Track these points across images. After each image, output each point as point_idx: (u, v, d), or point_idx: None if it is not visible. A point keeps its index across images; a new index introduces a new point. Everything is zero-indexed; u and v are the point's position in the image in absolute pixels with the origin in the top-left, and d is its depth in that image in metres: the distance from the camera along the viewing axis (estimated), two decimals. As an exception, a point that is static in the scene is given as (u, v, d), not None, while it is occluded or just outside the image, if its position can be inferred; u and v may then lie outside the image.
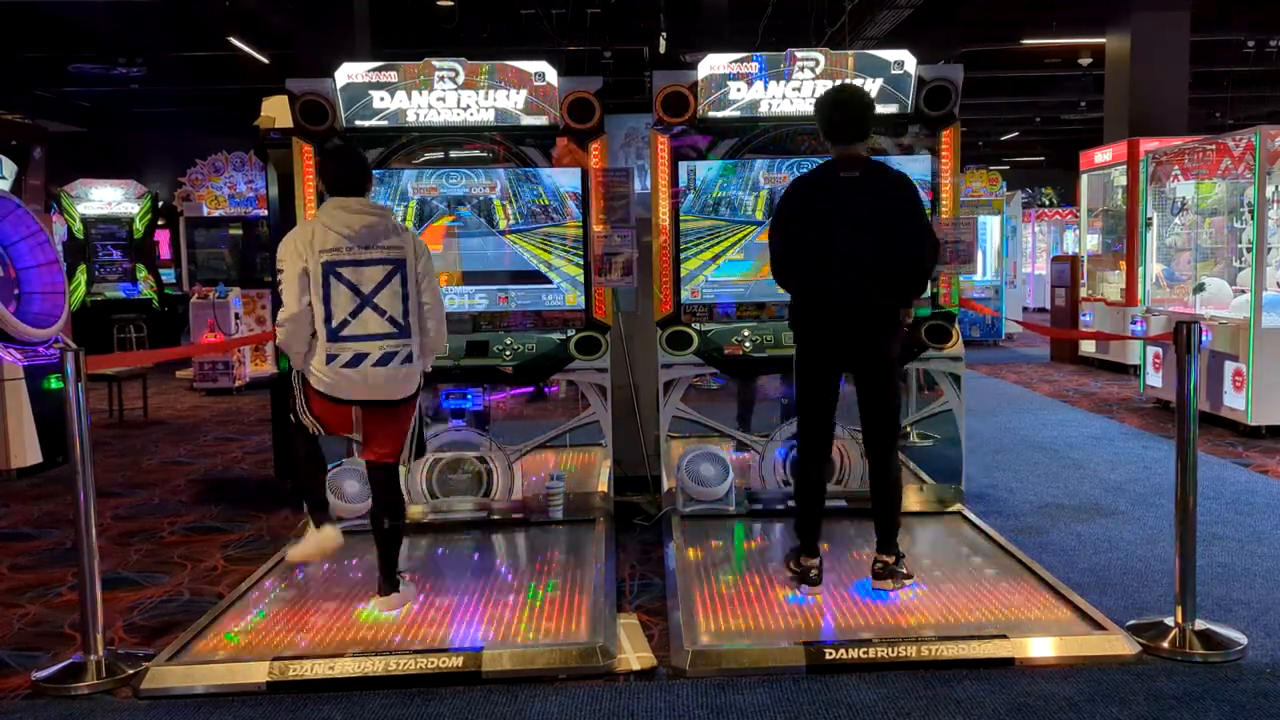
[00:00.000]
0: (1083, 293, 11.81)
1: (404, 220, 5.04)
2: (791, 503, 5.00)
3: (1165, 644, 3.48)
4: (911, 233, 3.89)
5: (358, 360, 3.73)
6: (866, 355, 3.98)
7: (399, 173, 5.11)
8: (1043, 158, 30.60)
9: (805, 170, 5.09)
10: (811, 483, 4.08)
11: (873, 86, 5.01)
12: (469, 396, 5.04)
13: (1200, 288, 7.88)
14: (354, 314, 3.74)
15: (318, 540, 3.98)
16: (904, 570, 4.00)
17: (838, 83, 4.93)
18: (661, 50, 15.11)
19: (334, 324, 3.74)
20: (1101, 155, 11.70)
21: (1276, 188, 7.18)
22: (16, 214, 6.36)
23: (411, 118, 5.07)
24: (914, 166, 5.07)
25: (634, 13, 14.69)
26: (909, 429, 5.16)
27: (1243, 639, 3.52)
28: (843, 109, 3.95)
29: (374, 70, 5.00)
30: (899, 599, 3.88)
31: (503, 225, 5.16)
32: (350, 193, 3.82)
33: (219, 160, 13.31)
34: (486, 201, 5.15)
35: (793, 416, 5.10)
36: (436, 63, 5.01)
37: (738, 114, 5.09)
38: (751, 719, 3.07)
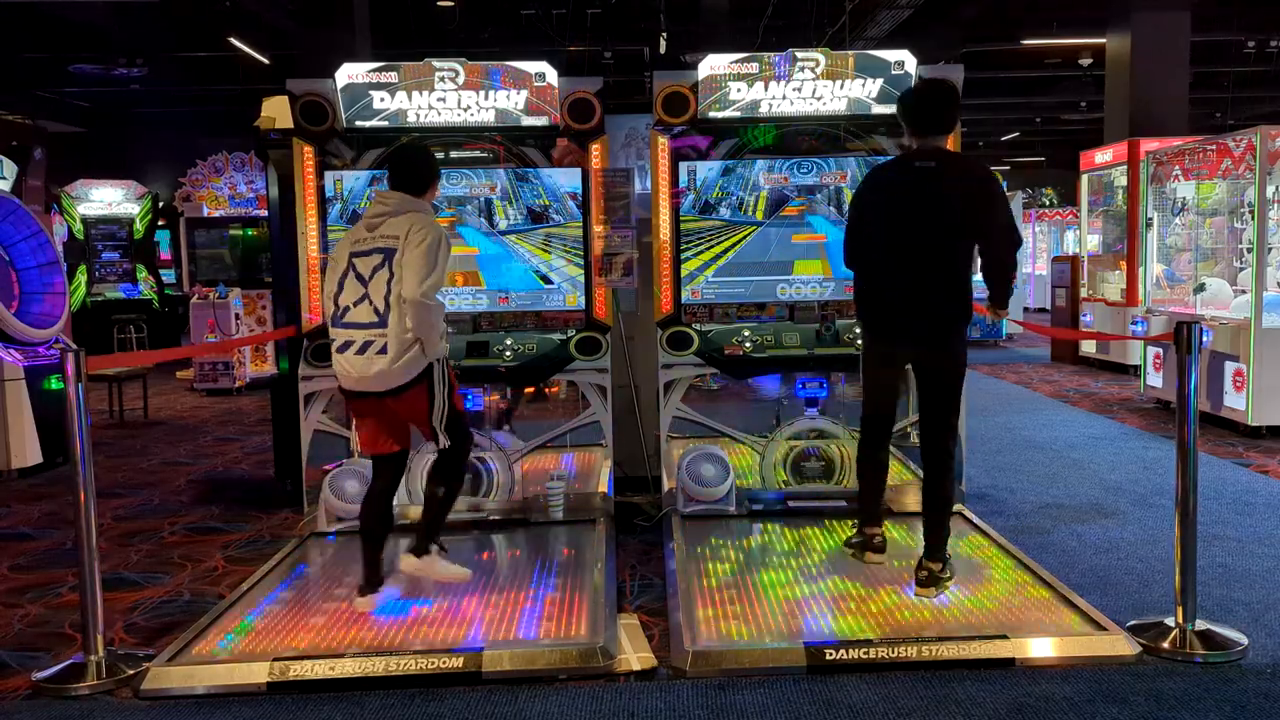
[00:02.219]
0: (1083, 293, 11.81)
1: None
2: (792, 503, 5.03)
3: (1166, 644, 3.48)
4: (988, 228, 3.85)
5: (345, 347, 3.80)
6: (926, 352, 3.95)
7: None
8: (1043, 158, 30.61)
9: (806, 171, 5.14)
10: (872, 464, 4.17)
11: (873, 86, 5.02)
12: (469, 397, 5.04)
13: (1201, 288, 7.88)
14: (356, 302, 3.80)
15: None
16: (947, 575, 3.95)
17: (845, 87, 4.98)
18: (662, 50, 15.11)
19: (338, 311, 3.83)
20: (1102, 155, 11.70)
21: (1277, 188, 7.17)
22: (17, 214, 6.36)
23: (412, 118, 5.07)
24: (914, 167, 5.07)
25: (634, 13, 14.69)
26: (909, 429, 5.15)
27: (1243, 639, 3.52)
28: (928, 98, 3.98)
29: (374, 70, 5.00)
30: (898, 599, 3.87)
31: (503, 225, 5.16)
32: (396, 188, 3.89)
33: (219, 161, 13.30)
34: (487, 201, 5.16)
35: (793, 417, 5.12)
36: (437, 63, 5.02)
37: (738, 114, 5.09)
38: (752, 719, 3.07)
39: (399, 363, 3.74)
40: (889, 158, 4.15)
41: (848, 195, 5.16)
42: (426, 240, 3.74)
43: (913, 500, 4.98)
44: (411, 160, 3.97)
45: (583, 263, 5.12)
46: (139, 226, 13.48)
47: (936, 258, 3.87)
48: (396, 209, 3.82)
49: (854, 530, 4.27)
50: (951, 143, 5.03)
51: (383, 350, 3.73)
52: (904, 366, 4.11)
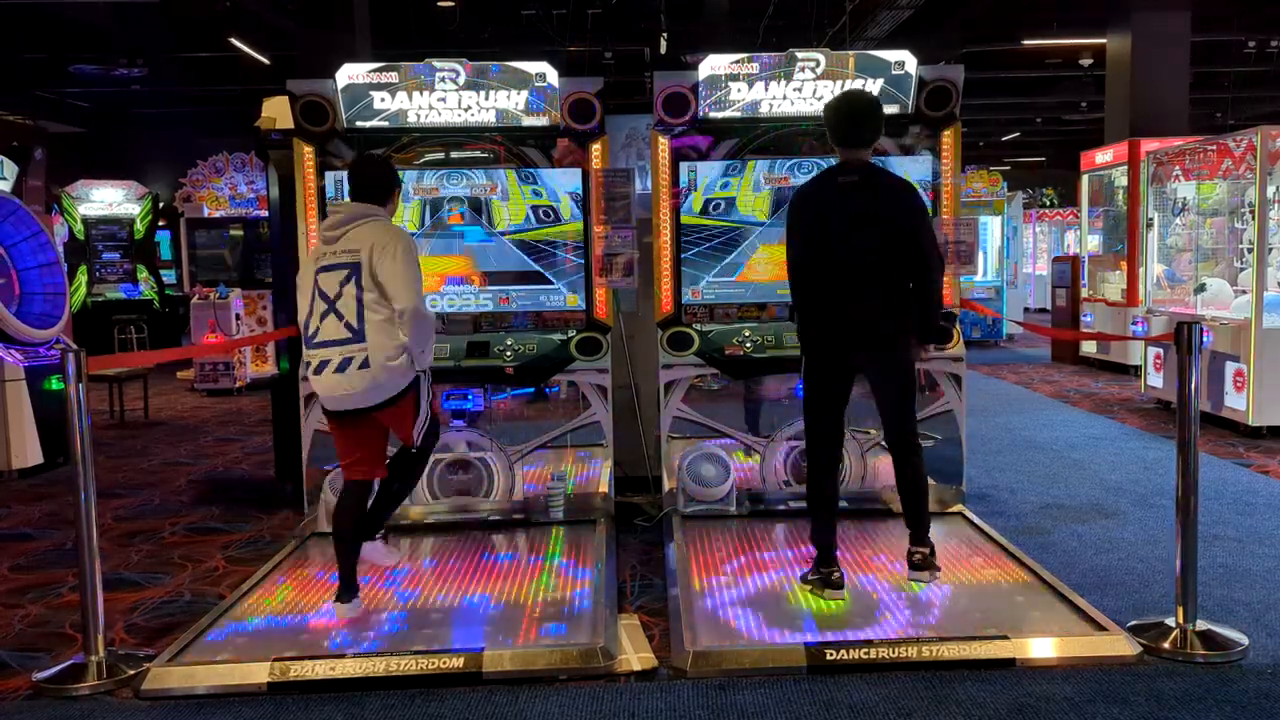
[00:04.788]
0: (1084, 293, 11.81)
1: (407, 221, 5.06)
2: (793, 503, 5.02)
3: (1166, 644, 3.48)
4: (910, 242, 3.87)
5: (321, 367, 3.69)
6: (878, 361, 3.98)
7: (400, 174, 5.09)
8: (1044, 158, 30.60)
9: (806, 171, 5.14)
10: (827, 491, 4.05)
11: (873, 87, 5.01)
12: (470, 397, 5.04)
13: (1201, 288, 7.88)
14: (322, 319, 3.70)
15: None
16: (935, 563, 4.01)
17: (845, 87, 4.95)
18: (662, 51, 15.12)
19: (309, 330, 3.72)
20: (1102, 156, 11.71)
21: (1278, 188, 7.17)
22: (18, 215, 6.36)
23: (412, 118, 5.07)
24: (915, 167, 5.07)
25: (634, 13, 14.69)
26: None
27: (1244, 639, 3.52)
28: (847, 113, 3.95)
29: (375, 71, 5.00)
30: (899, 600, 3.88)
31: (503, 226, 5.16)
32: (358, 199, 3.83)
33: (219, 161, 13.31)
34: (487, 202, 5.16)
35: (793, 418, 5.11)
36: (437, 63, 5.02)
37: (738, 115, 5.08)
38: (752, 719, 3.07)
39: (384, 375, 3.66)
40: (821, 170, 4.13)
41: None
42: (400, 246, 3.68)
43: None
44: (370, 170, 3.88)
45: (583, 263, 5.12)
46: (139, 227, 13.49)
47: (875, 271, 3.88)
48: (352, 217, 3.74)
49: (810, 569, 4.03)
50: (951, 138, 5.07)
51: (364, 365, 3.63)
52: (850, 384, 4.04)
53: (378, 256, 3.65)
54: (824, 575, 3.94)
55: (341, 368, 3.64)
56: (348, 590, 3.81)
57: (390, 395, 3.72)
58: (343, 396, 3.70)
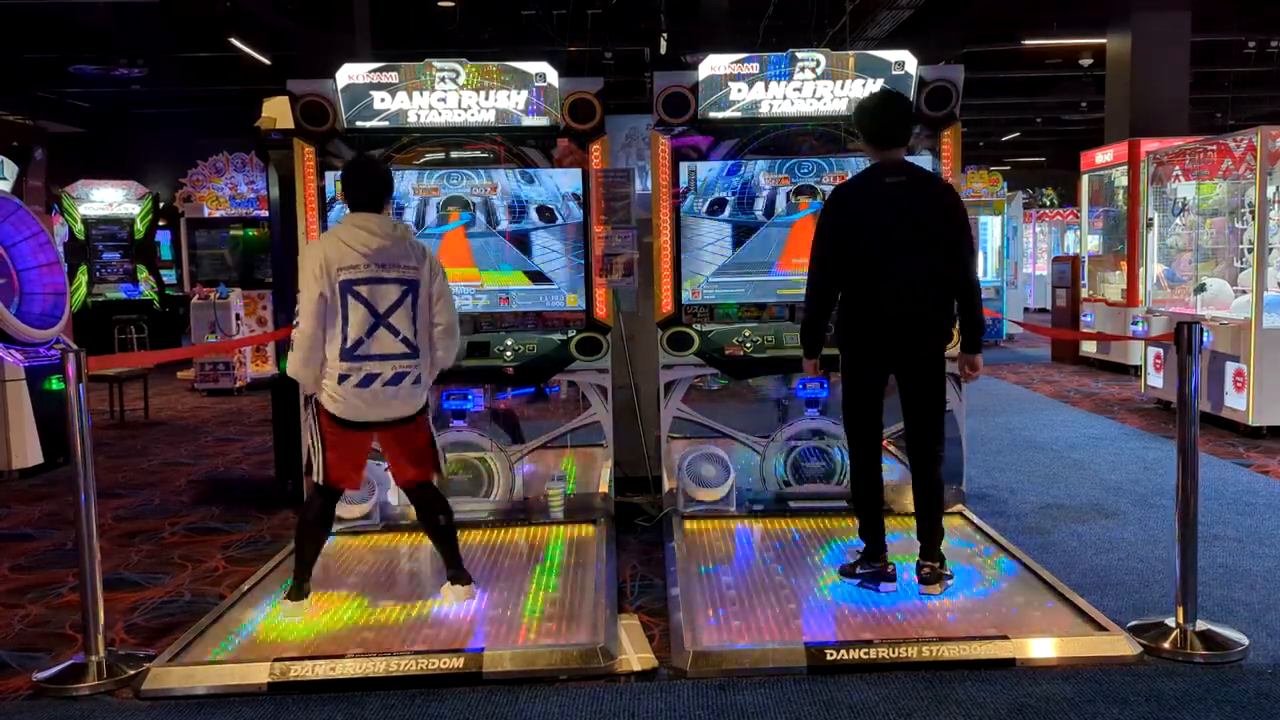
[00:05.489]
0: (1084, 293, 11.81)
1: (408, 221, 5.05)
2: (793, 504, 5.03)
3: (1166, 645, 3.48)
4: (954, 243, 3.86)
5: (369, 380, 3.73)
6: (913, 364, 3.97)
7: (400, 174, 5.10)
8: (1044, 158, 30.60)
9: (805, 171, 5.14)
10: (871, 487, 4.09)
11: (873, 87, 5.01)
12: (470, 397, 5.04)
13: (1201, 288, 7.88)
14: (369, 333, 3.73)
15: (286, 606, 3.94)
16: (946, 572, 4.01)
17: (845, 87, 4.96)
18: (662, 51, 15.12)
19: (349, 343, 3.72)
20: (1102, 156, 11.71)
21: (1278, 188, 7.17)
22: (18, 215, 6.36)
23: (412, 118, 5.07)
24: (915, 167, 5.07)
25: (635, 13, 14.69)
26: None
27: (1244, 640, 3.52)
28: (884, 112, 3.94)
29: (375, 71, 5.00)
30: (900, 600, 3.88)
31: (503, 226, 5.16)
32: (368, 208, 3.82)
33: (220, 161, 13.30)
34: (487, 202, 5.16)
35: (793, 418, 5.12)
36: (437, 63, 5.02)
37: (738, 115, 5.08)
38: (752, 719, 3.07)
39: (424, 389, 3.89)
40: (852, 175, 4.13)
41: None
42: (441, 266, 3.91)
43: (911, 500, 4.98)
44: (377, 175, 3.89)
45: (583, 263, 5.13)
46: (140, 227, 13.49)
47: (920, 271, 3.87)
48: (396, 236, 3.80)
49: (858, 560, 4.11)
50: (951, 138, 5.07)
51: (417, 380, 3.82)
52: (886, 380, 4.06)
53: (432, 275, 3.85)
54: (877, 570, 4.00)
55: (394, 381, 3.76)
56: (299, 589, 3.96)
57: (418, 409, 3.89)
58: (384, 407, 3.77)
